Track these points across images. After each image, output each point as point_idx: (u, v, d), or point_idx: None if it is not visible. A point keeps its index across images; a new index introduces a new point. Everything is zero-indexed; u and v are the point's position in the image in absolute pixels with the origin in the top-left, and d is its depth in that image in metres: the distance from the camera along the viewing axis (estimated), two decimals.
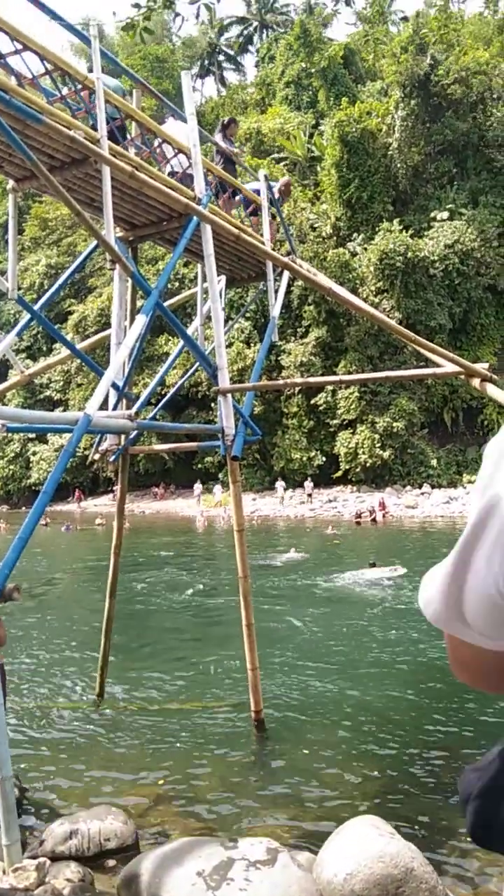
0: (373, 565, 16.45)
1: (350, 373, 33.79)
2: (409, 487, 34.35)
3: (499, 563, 0.73)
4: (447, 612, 0.83)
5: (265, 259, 8.10)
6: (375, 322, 6.62)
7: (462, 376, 6.49)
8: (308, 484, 34.82)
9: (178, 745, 6.97)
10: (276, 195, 9.28)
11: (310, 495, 34.44)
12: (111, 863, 4.78)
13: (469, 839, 0.98)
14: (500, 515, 0.72)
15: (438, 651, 9.87)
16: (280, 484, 35.58)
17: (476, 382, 6.30)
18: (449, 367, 6.35)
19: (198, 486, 37.93)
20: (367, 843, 3.40)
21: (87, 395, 41.35)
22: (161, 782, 6.12)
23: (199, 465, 40.14)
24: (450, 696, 8.01)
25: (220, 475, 39.20)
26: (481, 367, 6.35)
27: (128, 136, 7.09)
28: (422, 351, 6.56)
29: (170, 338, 39.05)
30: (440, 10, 38.55)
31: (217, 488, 36.90)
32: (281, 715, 7.64)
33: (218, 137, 8.70)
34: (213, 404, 38.40)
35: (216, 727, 7.41)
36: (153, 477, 42.26)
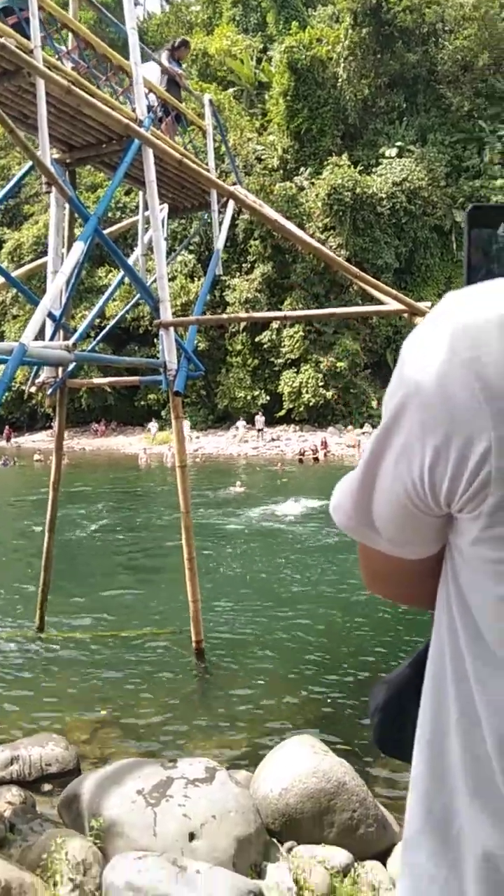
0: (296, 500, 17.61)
1: (295, 310, 33.58)
2: (350, 427, 34.82)
3: (407, 465, 0.73)
4: (357, 518, 0.82)
5: (209, 187, 7.86)
6: (322, 258, 6.54)
7: (405, 315, 6.52)
8: (259, 419, 34.86)
9: (119, 673, 7.09)
10: (175, 59, 8.74)
11: (261, 430, 34.52)
12: (48, 787, 4.90)
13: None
14: (411, 416, 0.71)
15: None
16: (241, 423, 35.52)
17: (419, 321, 6.34)
18: (393, 305, 6.36)
19: (153, 424, 37.48)
20: (301, 760, 3.56)
21: (23, 328, 39.95)
22: (102, 710, 6.23)
23: (142, 402, 39.67)
24: (380, 623, 8.35)
25: (164, 413, 38.89)
26: (424, 305, 6.39)
27: (63, 49, 6.69)
28: (366, 288, 6.54)
29: (111, 269, 37.91)
30: None
31: (152, 425, 36.65)
32: (220, 644, 7.83)
33: (163, 56, 8.27)
34: (155, 340, 37.59)
35: (157, 657, 7.55)
36: (94, 413, 41.59)
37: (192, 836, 2.93)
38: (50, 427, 41.24)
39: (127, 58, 6.99)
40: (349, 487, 0.82)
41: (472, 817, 0.76)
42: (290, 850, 3.35)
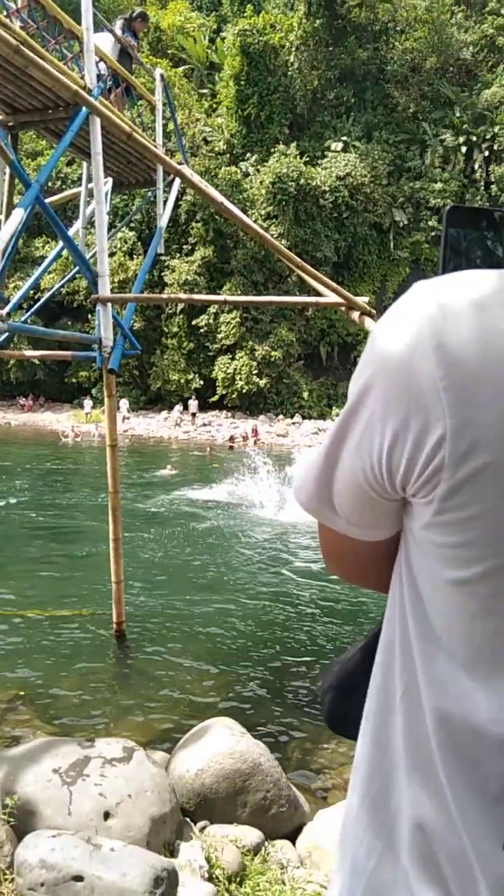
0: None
1: (234, 296, 33.55)
2: (281, 416, 35.11)
3: (368, 446, 0.74)
4: (318, 499, 0.83)
5: (157, 164, 7.75)
6: (267, 246, 6.55)
7: (343, 308, 6.61)
8: (193, 402, 34.73)
9: (36, 653, 6.97)
10: (130, 30, 8.56)
11: (194, 415, 34.40)
12: None
13: (327, 727, 1.06)
14: (374, 397, 0.73)
15: (293, 566, 10.40)
16: (178, 406, 35.26)
17: (356, 315, 6.44)
18: (332, 298, 6.44)
19: (87, 401, 36.65)
20: (218, 742, 3.60)
21: None
22: (17, 689, 6.12)
23: (73, 379, 38.87)
24: (300, 610, 8.51)
25: (94, 391, 38.23)
26: (362, 300, 6.49)
27: (12, 7, 6.45)
28: (307, 279, 6.60)
29: (48, 241, 36.87)
30: None
31: (87, 402, 35.99)
32: (140, 627, 7.81)
33: (118, 25, 8.07)
34: (90, 315, 36.90)
35: (76, 637, 7.46)
36: (21, 387, 40.48)
37: (106, 815, 2.93)
38: None
39: (78, 22, 6.79)
40: (311, 467, 0.83)
41: (410, 793, 0.80)
42: (202, 829, 3.39)
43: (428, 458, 0.70)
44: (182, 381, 36.27)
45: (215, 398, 35.93)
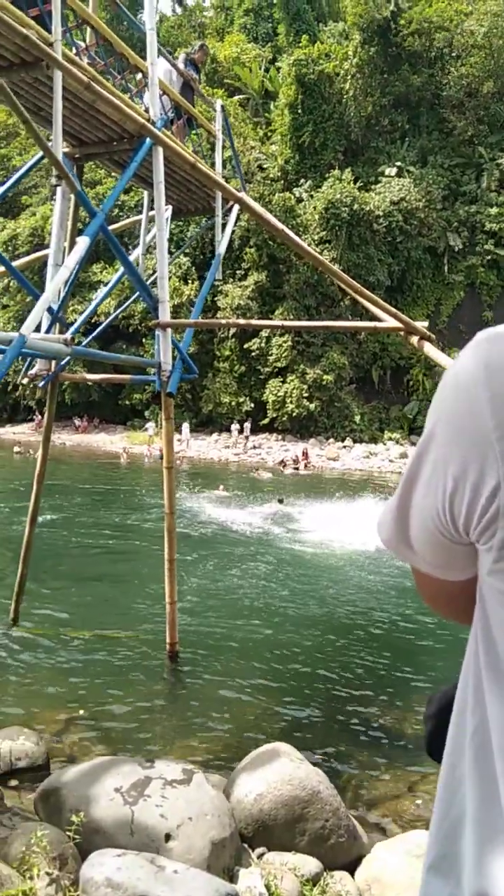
0: (280, 501, 18.43)
1: (287, 320, 33.73)
2: (332, 440, 34.97)
3: (433, 492, 0.77)
4: (396, 538, 0.87)
5: (218, 192, 7.90)
6: (324, 269, 6.61)
7: (402, 333, 6.59)
8: (247, 425, 34.92)
9: (91, 672, 7.06)
10: (192, 63, 8.75)
11: (247, 437, 34.50)
12: (15, 782, 4.87)
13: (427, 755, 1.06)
14: (437, 443, 0.75)
15: (342, 592, 10.29)
16: (235, 427, 35.46)
17: (415, 340, 6.42)
18: (390, 322, 6.44)
19: (151, 424, 36.88)
20: (277, 768, 3.58)
21: (12, 317, 39.75)
22: (73, 708, 6.20)
23: (126, 402, 39.51)
24: (358, 637, 8.40)
25: (147, 413, 38.77)
26: (421, 325, 6.47)
27: (81, 45, 6.72)
28: (366, 304, 6.61)
29: (105, 266, 37.81)
30: None
31: (150, 425, 36.40)
32: (194, 649, 7.82)
33: (181, 59, 8.32)
34: (143, 339, 37.66)
35: (131, 657, 7.53)
36: (76, 408, 41.32)
37: (168, 837, 2.94)
38: (31, 420, 40.98)
39: (140, 55, 7.03)
40: (390, 506, 0.86)
41: (473, 851, 0.78)
42: (260, 856, 3.37)
43: (485, 507, 0.72)
44: (233, 403, 36.51)
45: (266, 421, 36.04)
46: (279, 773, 3.52)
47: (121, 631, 8.36)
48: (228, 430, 35.99)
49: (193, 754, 5.04)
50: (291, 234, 6.41)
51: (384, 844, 3.81)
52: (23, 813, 3.99)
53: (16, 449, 31.55)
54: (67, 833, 2.86)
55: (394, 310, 6.56)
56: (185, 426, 35.39)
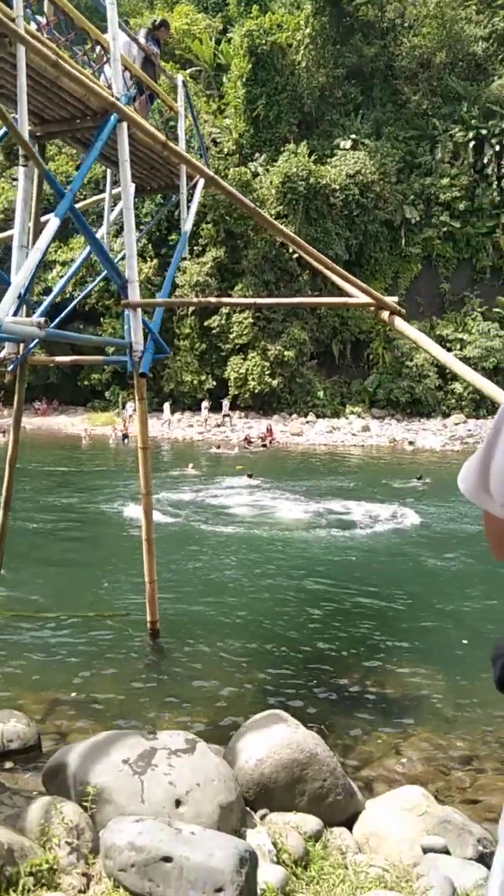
0: (250, 476, 19.02)
1: (246, 296, 33.63)
2: (295, 415, 35.18)
3: None
4: (476, 486, 1.05)
5: (182, 168, 7.85)
6: (299, 249, 6.66)
7: (372, 308, 6.70)
8: (225, 403, 34.62)
9: (74, 652, 7.11)
10: (153, 38, 8.66)
11: (227, 415, 34.17)
12: (10, 764, 4.94)
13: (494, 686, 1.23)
14: None
15: (316, 565, 10.50)
16: (205, 405, 35.14)
17: (385, 315, 6.53)
18: (361, 298, 6.53)
19: (130, 405, 36.17)
20: (275, 733, 3.72)
21: None
22: (59, 689, 6.25)
23: (85, 382, 39.03)
24: (335, 605, 8.61)
25: (107, 394, 38.41)
26: (392, 300, 6.58)
27: (41, 20, 6.58)
28: (336, 279, 6.69)
29: (60, 245, 37.06)
30: None
31: (130, 405, 35.79)
32: (175, 627, 7.92)
33: (141, 34, 8.19)
34: (101, 319, 37.17)
35: (111, 637, 7.59)
36: (34, 391, 40.64)
37: (178, 803, 3.05)
38: None
39: (100, 29, 6.92)
40: (472, 465, 1.06)
41: None
42: (263, 817, 3.51)
43: None
44: (195, 381, 36.39)
45: (228, 398, 36.04)
46: (278, 738, 3.66)
47: (100, 611, 8.41)
48: (191, 408, 35.85)
49: (186, 727, 5.15)
50: (264, 214, 6.44)
51: (376, 801, 4.00)
52: (23, 792, 4.06)
53: None
54: (83, 804, 2.95)
55: (364, 285, 6.65)
56: (167, 406, 35.13)
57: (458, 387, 34.70)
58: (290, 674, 6.60)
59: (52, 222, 6.04)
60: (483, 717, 5.75)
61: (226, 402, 34.75)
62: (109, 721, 5.46)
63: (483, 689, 6.14)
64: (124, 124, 6.82)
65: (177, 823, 2.69)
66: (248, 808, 3.51)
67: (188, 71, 40.89)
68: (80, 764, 3.21)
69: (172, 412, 36.27)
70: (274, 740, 3.64)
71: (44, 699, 6.08)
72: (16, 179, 37.53)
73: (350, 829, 3.61)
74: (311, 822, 3.42)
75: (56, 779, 3.37)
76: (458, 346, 35.23)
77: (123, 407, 36.04)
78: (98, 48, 7.29)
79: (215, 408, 35.53)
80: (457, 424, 33.64)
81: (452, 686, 6.40)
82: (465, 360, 31.19)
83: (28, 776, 4.69)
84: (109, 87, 6.91)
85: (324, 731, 4.95)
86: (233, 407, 36.13)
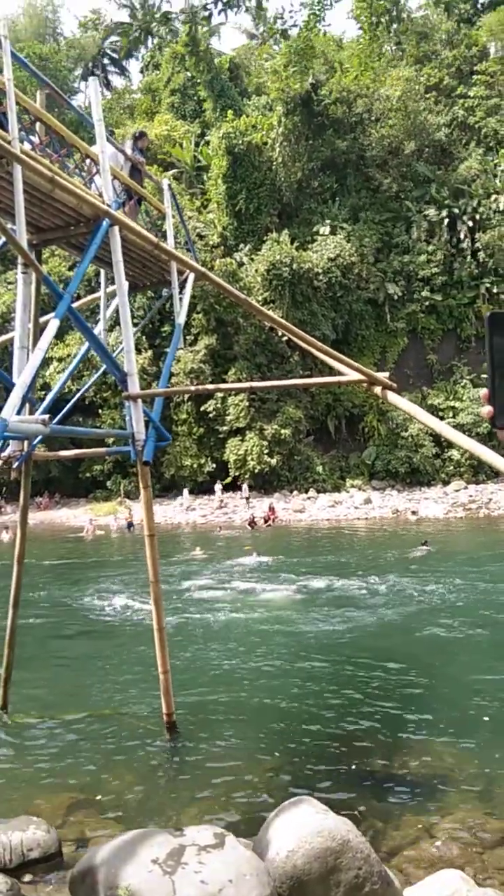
0: (257, 554, 19.42)
1: (240, 380, 34.26)
2: (295, 492, 35.22)
3: None
4: None
5: (173, 264, 8.21)
6: (287, 332, 6.91)
7: (364, 385, 6.89)
8: (244, 486, 34.64)
9: (90, 752, 6.93)
10: (138, 148, 9.12)
11: (247, 499, 34.11)
12: (29, 876, 4.75)
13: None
14: None
15: (332, 645, 10.32)
16: (218, 487, 35.18)
17: (378, 390, 6.71)
18: (353, 375, 6.73)
19: (187, 494, 36.33)
20: (304, 821, 3.61)
21: None
22: (77, 791, 6.07)
23: (87, 474, 39.24)
24: (346, 683, 8.43)
25: (109, 483, 38.56)
26: (383, 375, 6.78)
27: (35, 141, 7.04)
28: (328, 360, 6.91)
29: (56, 342, 37.98)
30: (304, 31, 39.03)
31: (185, 493, 35.90)
32: (191, 716, 7.74)
33: (128, 145, 8.75)
34: (99, 411, 37.76)
35: (128, 732, 7.41)
36: (36, 486, 40.78)
37: None
38: None
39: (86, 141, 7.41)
40: None
41: None
42: None
43: None
44: (194, 465, 36.62)
45: (228, 480, 36.16)
46: (307, 826, 3.55)
47: (115, 707, 8.23)
48: (206, 492, 35.96)
49: (212, 821, 4.99)
50: (252, 301, 6.71)
51: (415, 889, 3.84)
52: None
53: None
54: None
55: (354, 363, 6.86)
56: (185, 491, 35.27)
57: (455, 454, 34.91)
58: (312, 757, 6.42)
59: (53, 324, 6.29)
60: None
61: (245, 486, 34.60)
62: (132, 821, 5.28)
63: None
64: (116, 228, 7.20)
65: None
66: None
67: (170, 172, 43.02)
68: (107, 866, 3.11)
69: (174, 497, 36.33)
70: (304, 829, 3.53)
71: (62, 802, 5.89)
72: (11, 283, 38.79)
73: None
74: None
75: (83, 884, 3.25)
76: (451, 414, 35.65)
77: (127, 496, 36.19)
78: (88, 160, 7.78)
79: (207, 491, 35.61)
80: (457, 491, 33.64)
81: (479, 761, 6.22)
82: (459, 427, 31.54)
83: (51, 888, 4.51)
84: (100, 194, 7.34)
85: (355, 816, 4.79)
86: (233, 488, 36.15)
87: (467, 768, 6.07)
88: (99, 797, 5.89)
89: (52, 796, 5.98)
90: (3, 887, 4.34)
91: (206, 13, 53.10)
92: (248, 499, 34.01)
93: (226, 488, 35.89)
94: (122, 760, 6.69)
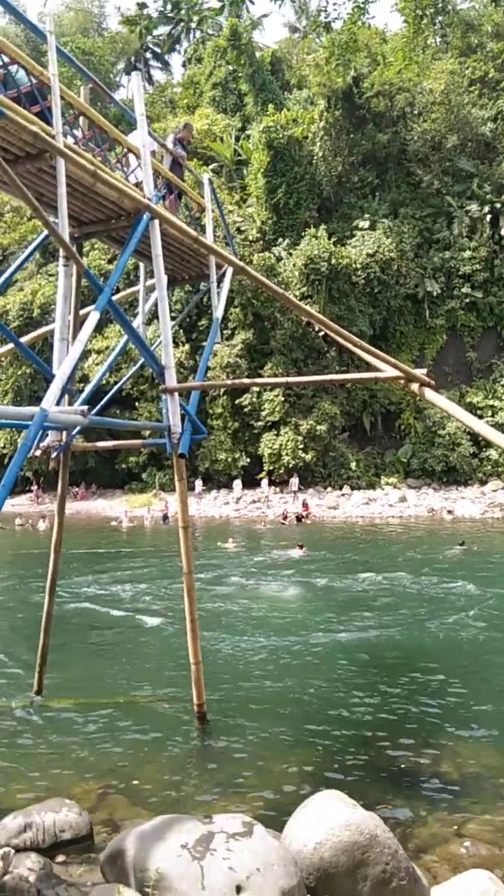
0: (301, 546, 19.41)
1: (276, 375, 34.26)
2: (330, 489, 35.11)
3: None
4: None
5: (211, 258, 8.25)
6: (323, 327, 6.90)
7: (402, 381, 6.84)
8: (293, 480, 34.40)
9: (122, 738, 7.03)
10: (179, 141, 9.14)
11: (295, 492, 33.80)
12: (62, 857, 4.85)
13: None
14: None
15: (364, 640, 10.29)
16: (264, 482, 35.23)
17: (415, 387, 6.66)
18: (390, 372, 6.69)
19: (198, 483, 36.68)
20: (333, 814, 3.63)
21: (5, 390, 40.30)
22: (108, 776, 6.17)
23: (123, 465, 39.69)
24: (382, 678, 8.40)
25: (144, 475, 38.92)
26: (420, 372, 6.72)
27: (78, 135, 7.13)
28: (365, 356, 6.87)
29: (95, 335, 38.44)
30: (348, 24, 38.66)
31: (198, 483, 36.25)
32: (222, 706, 7.80)
33: (169, 139, 8.80)
34: (136, 403, 38.10)
35: (158, 721, 7.50)
36: (73, 476, 41.40)
37: (238, 889, 2.98)
38: (29, 491, 41.05)
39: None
40: None
41: None
42: None
43: None
44: (229, 459, 36.74)
45: (262, 475, 36.21)
46: (336, 820, 3.56)
47: (147, 695, 8.33)
48: (227, 487, 36.13)
49: (240, 810, 5.03)
50: (289, 296, 6.70)
51: (442, 888, 3.83)
52: (80, 885, 3.99)
53: (18, 521, 31.52)
54: (145, 890, 2.90)
55: (392, 359, 6.81)
56: (198, 482, 35.53)
57: (493, 453, 34.42)
58: (342, 752, 6.42)
59: (93, 316, 6.38)
60: None
61: (294, 480, 34.42)
62: (162, 807, 5.34)
63: None
64: (156, 222, 7.26)
65: None
66: (308, 895, 3.40)
67: (210, 167, 43.16)
68: (137, 849, 3.17)
69: (209, 490, 36.53)
70: (332, 822, 3.55)
71: (94, 787, 6.00)
72: (52, 275, 39.32)
73: None
74: None
75: (115, 865, 3.32)
76: (490, 413, 35.14)
77: (162, 488, 36.56)
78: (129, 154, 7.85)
79: (250, 485, 35.71)
80: (495, 491, 33.17)
81: None
82: (498, 426, 31.09)
83: (82, 869, 4.60)
84: (139, 187, 7.40)
85: (384, 811, 4.79)
86: (268, 483, 36.13)
87: (499, 771, 6.01)
88: (129, 782, 5.98)
89: (84, 780, 6.09)
90: (37, 867, 4.44)
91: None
92: (295, 492, 33.71)
93: (259, 483, 35.92)
94: (152, 748, 6.77)
